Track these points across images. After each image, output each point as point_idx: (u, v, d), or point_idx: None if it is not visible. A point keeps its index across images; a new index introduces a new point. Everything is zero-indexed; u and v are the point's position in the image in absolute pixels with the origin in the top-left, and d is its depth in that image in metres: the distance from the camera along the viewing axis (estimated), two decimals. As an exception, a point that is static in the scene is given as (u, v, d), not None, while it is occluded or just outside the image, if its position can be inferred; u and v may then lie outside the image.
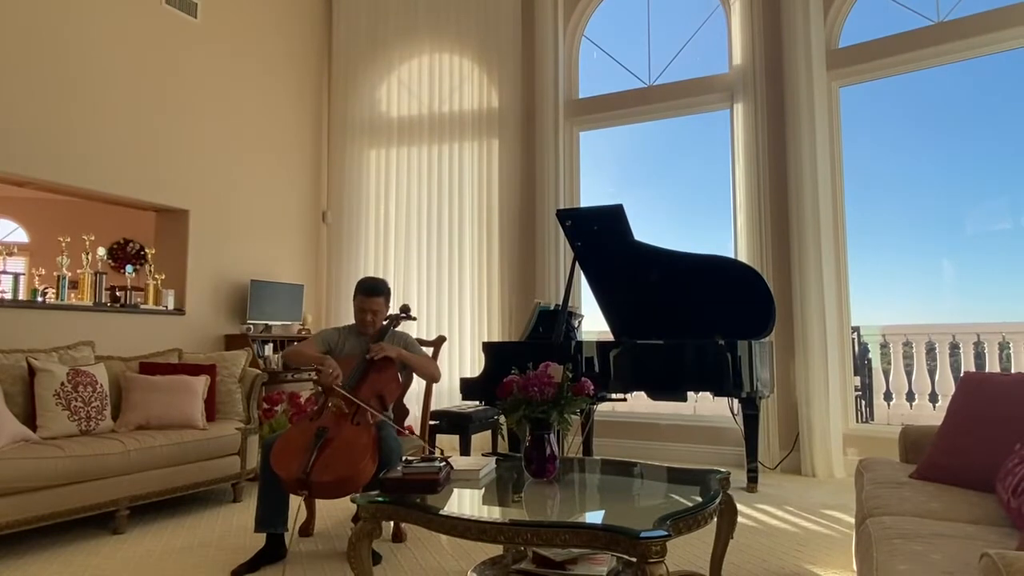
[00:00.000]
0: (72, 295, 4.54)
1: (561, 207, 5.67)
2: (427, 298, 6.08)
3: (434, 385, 3.54)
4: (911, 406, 5.47)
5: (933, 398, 5.45)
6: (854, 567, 2.35)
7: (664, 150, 6.56)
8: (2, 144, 4.09)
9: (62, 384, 3.40)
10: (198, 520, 3.54)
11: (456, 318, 5.97)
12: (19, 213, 8.62)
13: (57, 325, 4.24)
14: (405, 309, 3.36)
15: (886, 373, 5.59)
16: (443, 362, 5.45)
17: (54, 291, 4.42)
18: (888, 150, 5.72)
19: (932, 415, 5.26)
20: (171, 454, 3.51)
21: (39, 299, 4.30)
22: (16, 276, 4.24)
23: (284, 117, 6.13)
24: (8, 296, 4.15)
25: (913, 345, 5.54)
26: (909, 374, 5.51)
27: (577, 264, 4.66)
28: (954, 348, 5.50)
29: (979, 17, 4.54)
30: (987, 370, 5.25)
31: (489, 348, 4.50)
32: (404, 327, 3.40)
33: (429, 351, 3.55)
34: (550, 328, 4.52)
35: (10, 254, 4.58)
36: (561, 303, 4.59)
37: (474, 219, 6.02)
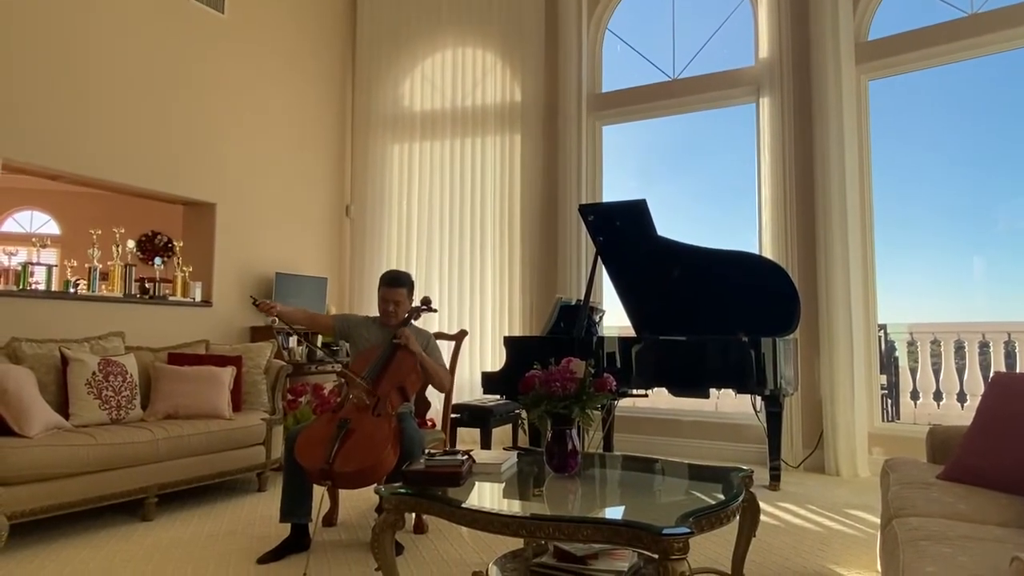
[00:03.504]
0: (103, 286, 4.62)
1: (583, 202, 5.65)
2: (449, 292, 6.10)
3: (455, 379, 3.56)
4: (939, 405, 5.37)
5: (961, 398, 5.35)
6: (878, 567, 2.33)
7: (688, 144, 6.51)
8: (35, 139, 4.18)
9: (93, 373, 3.48)
10: (224, 508, 3.61)
11: (477, 312, 5.99)
12: (51, 206, 8.80)
13: (88, 316, 4.33)
14: (426, 301, 3.38)
15: (913, 372, 5.50)
16: (464, 356, 5.47)
17: (85, 282, 4.51)
18: (918, 144, 5.61)
19: (960, 415, 5.17)
20: (198, 443, 3.58)
21: (71, 290, 4.39)
22: (49, 268, 4.33)
23: (309, 112, 6.18)
24: (42, 287, 4.24)
25: (941, 343, 5.44)
26: (937, 373, 5.41)
27: (599, 259, 4.64)
28: (983, 347, 5.39)
29: (1015, 9, 4.42)
30: (1018, 369, 5.14)
31: (511, 343, 4.51)
32: (425, 319, 3.43)
33: (451, 344, 3.57)
34: (571, 323, 4.51)
35: (43, 246, 4.66)
36: (583, 298, 4.58)
37: (496, 213, 6.03)
